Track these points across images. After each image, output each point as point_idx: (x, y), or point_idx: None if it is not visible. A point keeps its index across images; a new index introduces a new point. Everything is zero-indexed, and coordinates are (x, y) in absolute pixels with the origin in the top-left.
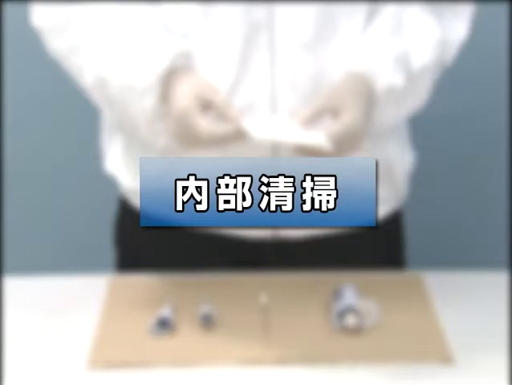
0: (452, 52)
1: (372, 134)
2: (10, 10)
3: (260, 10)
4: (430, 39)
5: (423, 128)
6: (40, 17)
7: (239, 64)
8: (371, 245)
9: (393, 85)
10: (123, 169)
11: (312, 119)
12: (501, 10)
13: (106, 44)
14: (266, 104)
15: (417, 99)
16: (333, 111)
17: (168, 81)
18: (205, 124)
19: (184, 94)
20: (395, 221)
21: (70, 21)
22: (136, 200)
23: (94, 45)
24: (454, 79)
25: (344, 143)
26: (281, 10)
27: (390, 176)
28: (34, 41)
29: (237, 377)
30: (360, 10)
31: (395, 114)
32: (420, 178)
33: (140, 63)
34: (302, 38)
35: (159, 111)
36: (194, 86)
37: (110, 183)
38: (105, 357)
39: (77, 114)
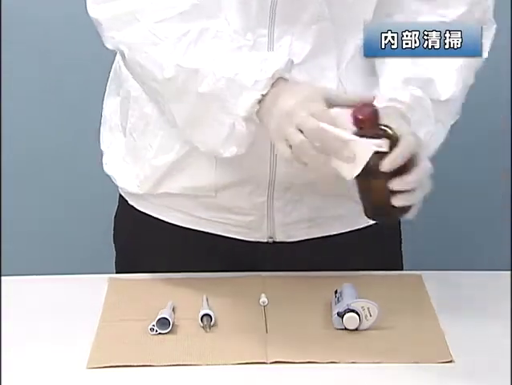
0: (473, 74)
1: None
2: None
3: (261, 30)
4: (453, 67)
5: None
6: (98, 8)
7: None
8: (371, 245)
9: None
10: (122, 170)
11: None
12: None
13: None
14: None
15: (445, 126)
16: None
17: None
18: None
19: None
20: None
21: (136, 13)
22: (134, 201)
23: (178, 40)
24: None
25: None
26: (280, 29)
27: None
28: (36, 39)
29: (237, 377)
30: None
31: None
32: None
33: (245, 63)
34: (297, 58)
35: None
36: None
37: (110, 183)
38: (105, 357)
39: (77, 114)
